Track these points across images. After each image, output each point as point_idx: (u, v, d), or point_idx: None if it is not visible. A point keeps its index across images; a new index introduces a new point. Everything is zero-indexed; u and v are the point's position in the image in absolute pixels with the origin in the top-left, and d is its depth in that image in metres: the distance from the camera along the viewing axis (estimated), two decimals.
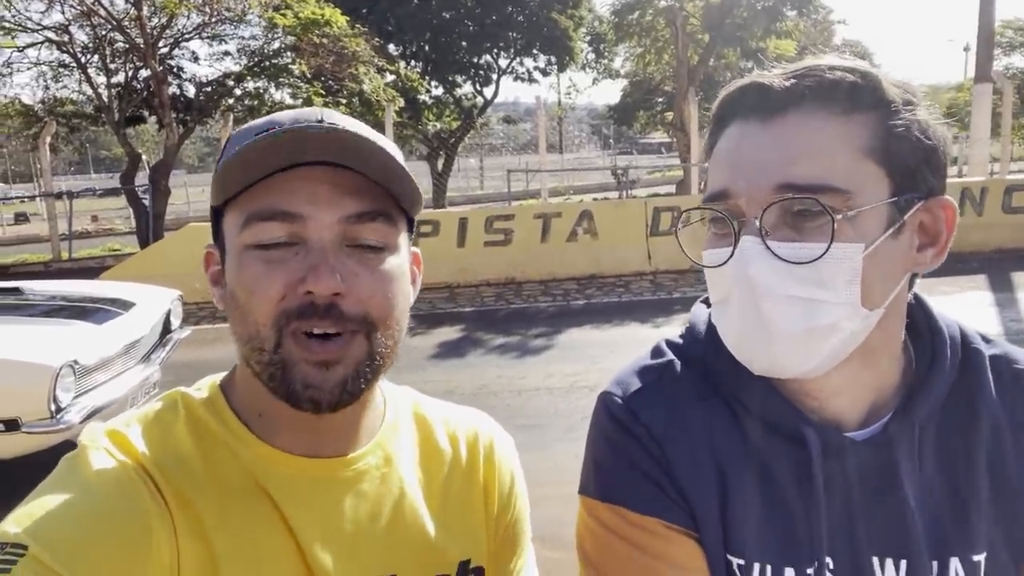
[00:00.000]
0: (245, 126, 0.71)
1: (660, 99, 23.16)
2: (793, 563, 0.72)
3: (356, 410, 0.75)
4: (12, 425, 3.36)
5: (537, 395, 5.10)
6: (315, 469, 0.73)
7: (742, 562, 0.73)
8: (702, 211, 0.71)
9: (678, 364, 0.79)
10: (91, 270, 10.08)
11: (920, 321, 0.77)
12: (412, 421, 0.84)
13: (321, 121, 0.68)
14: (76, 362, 3.54)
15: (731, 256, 0.66)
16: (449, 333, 6.86)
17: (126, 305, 4.34)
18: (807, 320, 0.65)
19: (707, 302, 0.85)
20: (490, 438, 0.88)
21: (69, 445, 0.72)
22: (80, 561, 0.60)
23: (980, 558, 0.72)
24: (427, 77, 18.56)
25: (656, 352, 0.82)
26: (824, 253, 0.63)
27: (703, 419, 0.75)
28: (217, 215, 0.72)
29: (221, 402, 0.74)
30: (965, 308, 6.67)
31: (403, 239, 0.74)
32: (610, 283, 8.79)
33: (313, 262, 0.66)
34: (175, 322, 4.69)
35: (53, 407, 3.37)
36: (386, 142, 0.70)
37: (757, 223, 0.65)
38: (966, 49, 33.34)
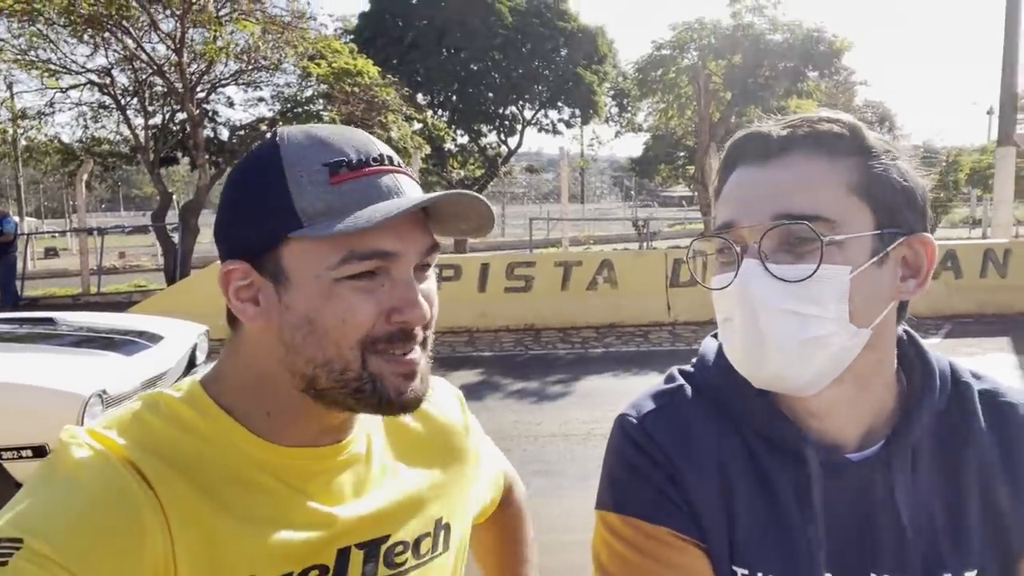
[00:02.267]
0: (297, 145, 0.71)
1: (682, 153, 23.40)
2: (794, 574, 0.77)
3: None
4: (40, 451, 3.41)
5: (553, 442, 5.09)
6: (312, 458, 0.77)
7: (746, 571, 0.78)
8: (710, 241, 0.79)
9: (689, 389, 0.86)
10: (118, 304, 10.27)
11: (911, 355, 0.83)
12: None
13: (382, 157, 0.73)
14: (104, 392, 3.60)
15: (734, 278, 0.74)
16: (468, 377, 6.88)
17: (154, 338, 4.42)
18: (800, 332, 0.72)
19: (716, 336, 0.91)
20: (449, 398, 0.98)
21: None
22: (76, 550, 0.62)
23: (971, 575, 0.76)
24: (453, 126, 18.96)
25: (668, 379, 0.89)
26: (813, 273, 0.71)
27: (711, 438, 0.81)
28: (270, 238, 0.70)
29: (205, 399, 0.76)
30: (989, 369, 6.59)
31: None
32: (629, 332, 8.80)
33: (405, 295, 0.71)
34: (200, 356, 4.76)
35: None
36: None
37: (757, 247, 0.73)
38: (989, 112, 33.47)
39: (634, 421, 0.84)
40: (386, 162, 0.73)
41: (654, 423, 0.83)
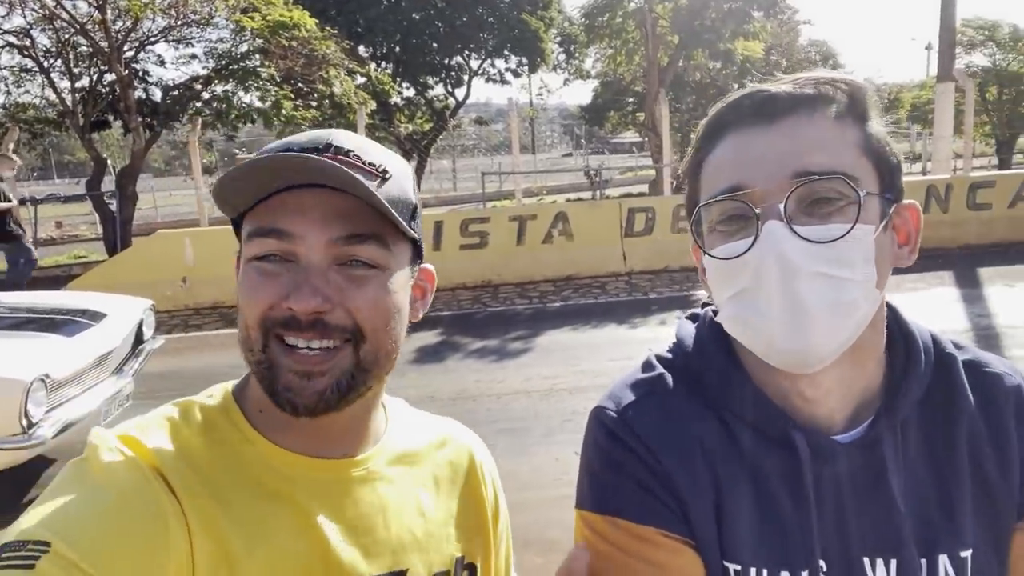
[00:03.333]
0: (280, 139, 0.75)
1: (631, 99, 23.35)
2: (788, 567, 0.74)
3: (359, 414, 0.79)
4: None
5: (516, 399, 5.10)
6: (326, 470, 0.76)
7: (739, 568, 0.74)
8: (713, 207, 0.73)
9: (669, 377, 0.81)
10: (57, 278, 9.88)
11: (893, 327, 0.80)
12: (407, 428, 0.88)
13: (330, 146, 0.72)
14: (47, 376, 3.46)
15: (753, 244, 0.69)
16: (427, 337, 6.84)
17: (97, 316, 4.25)
18: (835, 296, 0.68)
19: (692, 318, 0.87)
20: (473, 447, 0.94)
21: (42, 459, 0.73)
22: (102, 556, 0.61)
23: (967, 554, 0.74)
24: (398, 79, 18.48)
25: (646, 366, 0.84)
26: (849, 231, 0.68)
27: (695, 429, 0.77)
28: (237, 225, 0.77)
29: (233, 407, 0.77)
30: (933, 304, 6.82)
31: (400, 261, 0.76)
32: (586, 284, 8.83)
33: (297, 280, 0.70)
34: (147, 332, 4.61)
35: (25, 422, 3.29)
36: (383, 162, 0.73)
37: (781, 208, 0.68)
38: (928, 48, 34.05)
39: (613, 414, 0.79)
40: (336, 152, 0.71)
41: (635, 415, 0.78)
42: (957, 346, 0.81)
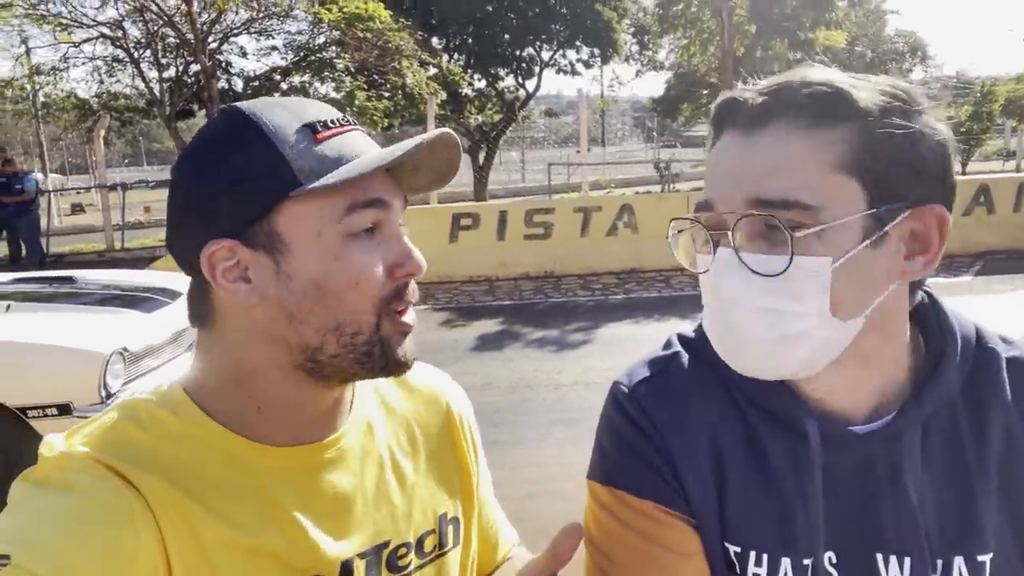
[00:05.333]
0: (268, 112, 0.69)
1: (705, 91, 22.83)
2: (790, 554, 0.73)
3: (342, 391, 0.77)
4: (64, 409, 3.48)
5: (574, 390, 5.09)
6: (299, 457, 0.74)
7: (739, 550, 0.74)
8: (690, 220, 0.73)
9: (685, 356, 0.82)
10: (143, 260, 10.39)
11: (931, 321, 0.77)
12: (374, 388, 0.86)
13: (344, 116, 0.73)
14: (126, 349, 3.64)
15: (710, 265, 0.70)
16: (488, 326, 6.88)
17: (174, 294, 4.44)
18: (775, 329, 0.67)
19: None
20: (447, 396, 0.91)
21: None
22: (66, 563, 0.60)
23: (986, 559, 0.71)
24: (470, 70, 18.60)
25: (666, 344, 0.85)
26: (787, 268, 0.64)
27: (705, 410, 0.78)
28: (264, 205, 0.67)
29: (190, 406, 0.72)
30: (1018, 306, 6.45)
31: None
32: (650, 278, 8.72)
33: (404, 249, 0.71)
34: None
35: (103, 393, 3.48)
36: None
37: (731, 237, 0.67)
38: None
39: (625, 390, 0.81)
40: (348, 123, 0.73)
41: (646, 393, 0.80)
42: (1007, 341, 0.78)
